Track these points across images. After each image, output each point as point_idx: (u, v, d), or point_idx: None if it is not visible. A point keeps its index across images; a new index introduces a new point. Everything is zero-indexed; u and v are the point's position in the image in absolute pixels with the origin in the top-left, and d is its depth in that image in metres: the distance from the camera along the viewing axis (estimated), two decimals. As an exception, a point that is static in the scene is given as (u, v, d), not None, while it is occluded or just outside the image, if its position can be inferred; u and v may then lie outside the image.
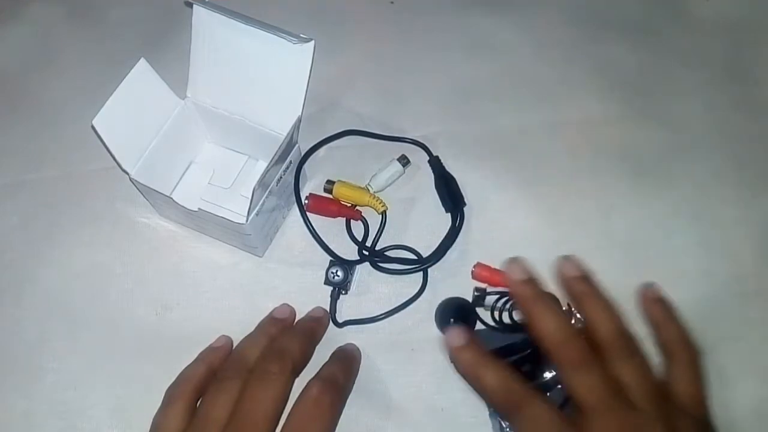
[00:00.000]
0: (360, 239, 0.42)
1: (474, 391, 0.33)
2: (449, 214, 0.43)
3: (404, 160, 0.43)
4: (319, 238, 0.41)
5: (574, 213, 0.41)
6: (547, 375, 0.34)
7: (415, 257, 0.42)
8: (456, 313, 0.39)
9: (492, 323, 0.38)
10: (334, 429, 0.34)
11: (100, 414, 0.39)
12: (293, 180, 0.42)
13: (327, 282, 0.40)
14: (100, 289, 0.42)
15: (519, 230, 0.42)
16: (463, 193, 0.43)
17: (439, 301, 0.40)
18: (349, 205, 0.43)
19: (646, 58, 0.49)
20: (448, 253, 0.41)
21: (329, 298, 0.40)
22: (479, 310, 0.39)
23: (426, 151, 0.44)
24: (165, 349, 0.40)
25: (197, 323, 0.41)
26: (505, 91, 0.48)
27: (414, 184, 0.44)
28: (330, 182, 0.42)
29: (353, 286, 0.42)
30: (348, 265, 0.41)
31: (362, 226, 0.42)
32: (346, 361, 0.38)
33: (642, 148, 0.45)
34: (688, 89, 0.47)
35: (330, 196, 0.43)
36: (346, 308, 0.41)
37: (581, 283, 0.34)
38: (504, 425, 0.37)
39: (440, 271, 0.41)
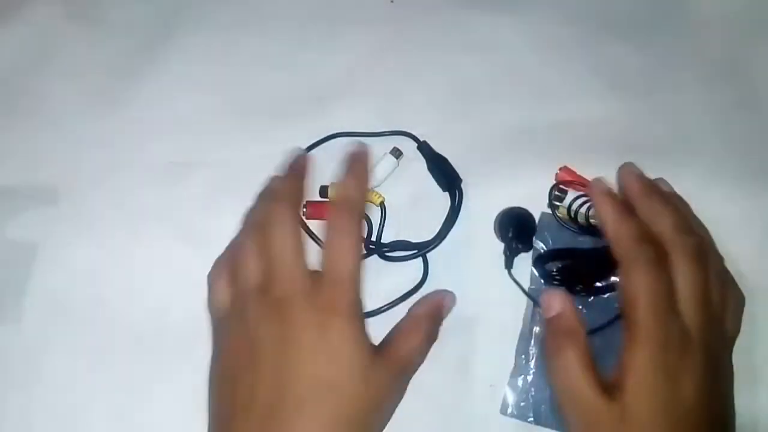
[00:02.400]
0: (365, 236, 0.42)
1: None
2: (447, 194, 0.43)
3: (397, 153, 0.44)
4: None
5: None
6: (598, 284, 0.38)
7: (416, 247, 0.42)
8: (515, 223, 0.41)
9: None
10: (360, 252, 0.36)
11: (100, 415, 0.39)
12: None
13: None
14: (99, 289, 0.42)
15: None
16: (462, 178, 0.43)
17: (437, 287, 0.40)
18: None
19: (646, 58, 0.49)
20: (452, 233, 0.41)
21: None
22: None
23: (413, 139, 0.45)
24: (165, 349, 0.40)
25: (197, 323, 0.41)
26: (505, 90, 0.48)
27: (410, 175, 0.44)
28: (324, 187, 0.43)
29: None
30: None
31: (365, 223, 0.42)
32: (355, 170, 0.37)
33: (642, 146, 0.45)
34: (689, 88, 0.47)
35: (327, 200, 0.42)
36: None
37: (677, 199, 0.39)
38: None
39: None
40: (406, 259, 0.42)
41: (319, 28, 0.50)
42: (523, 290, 0.40)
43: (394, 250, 0.42)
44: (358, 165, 0.38)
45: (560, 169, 0.42)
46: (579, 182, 0.41)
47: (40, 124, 0.48)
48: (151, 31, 0.51)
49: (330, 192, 0.43)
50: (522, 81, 0.48)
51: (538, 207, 0.42)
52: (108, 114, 0.48)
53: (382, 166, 0.43)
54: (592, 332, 0.37)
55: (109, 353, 0.40)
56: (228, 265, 0.37)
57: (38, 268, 0.43)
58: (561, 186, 0.41)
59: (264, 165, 0.45)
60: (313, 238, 0.41)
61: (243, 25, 0.51)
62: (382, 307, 0.40)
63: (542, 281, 0.40)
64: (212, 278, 0.38)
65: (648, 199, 0.37)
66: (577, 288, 0.39)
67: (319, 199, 0.43)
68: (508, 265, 0.40)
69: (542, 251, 0.41)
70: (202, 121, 0.47)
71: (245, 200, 0.43)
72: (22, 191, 0.45)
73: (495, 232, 0.42)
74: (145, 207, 0.44)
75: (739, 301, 0.37)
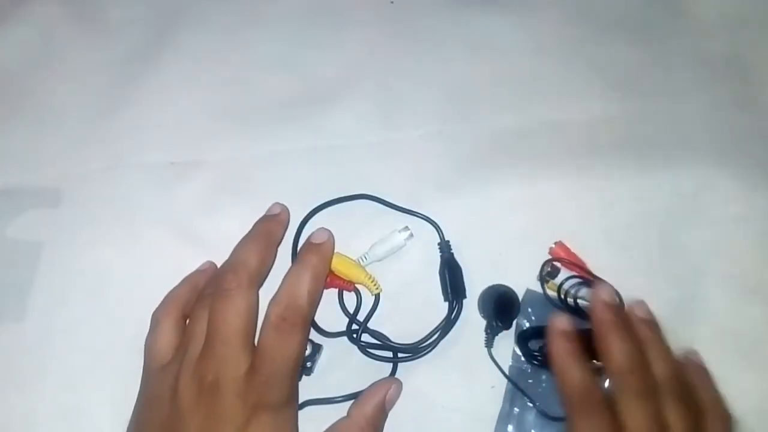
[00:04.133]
0: (351, 312, 0.40)
1: (554, 377, 0.35)
2: (446, 303, 0.40)
3: (406, 232, 0.41)
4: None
5: (574, 210, 0.41)
6: None
7: (395, 345, 0.39)
8: (497, 301, 0.39)
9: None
10: (303, 348, 0.36)
11: (101, 415, 0.39)
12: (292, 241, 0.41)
13: None
14: (100, 289, 0.42)
15: (519, 228, 0.42)
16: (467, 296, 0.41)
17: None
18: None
19: (646, 58, 0.49)
20: (441, 344, 0.39)
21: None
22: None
23: (438, 233, 0.42)
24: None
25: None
26: (504, 90, 0.47)
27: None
28: None
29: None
30: (316, 343, 0.39)
31: (355, 297, 0.41)
32: (307, 271, 0.37)
33: (642, 146, 0.45)
34: (689, 88, 0.47)
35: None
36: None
37: (648, 327, 0.37)
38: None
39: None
40: (380, 360, 0.39)
41: (319, 28, 0.50)
42: (502, 371, 0.38)
43: (373, 345, 0.40)
44: (316, 260, 0.37)
45: (555, 244, 0.41)
46: (572, 262, 0.40)
47: (41, 124, 0.48)
48: (151, 31, 0.51)
49: (332, 262, 0.40)
50: (522, 81, 0.48)
51: (529, 245, 0.41)
52: (108, 114, 0.48)
53: (385, 243, 0.41)
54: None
55: (111, 352, 0.40)
56: (178, 309, 0.38)
57: (40, 267, 0.43)
58: (554, 263, 0.40)
59: (264, 165, 0.45)
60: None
61: (243, 25, 0.51)
62: (336, 397, 0.38)
63: (523, 359, 0.39)
64: (159, 317, 0.38)
65: (607, 331, 0.36)
66: None
67: None
68: (489, 344, 0.39)
69: (525, 328, 0.40)
70: (202, 121, 0.47)
71: (245, 200, 0.44)
72: (24, 192, 0.45)
73: (478, 309, 0.40)
74: (146, 207, 0.44)
75: (724, 422, 0.36)
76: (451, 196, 0.43)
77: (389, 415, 0.38)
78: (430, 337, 0.39)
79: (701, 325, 0.38)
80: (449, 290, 0.40)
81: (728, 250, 0.41)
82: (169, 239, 0.43)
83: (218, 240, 0.42)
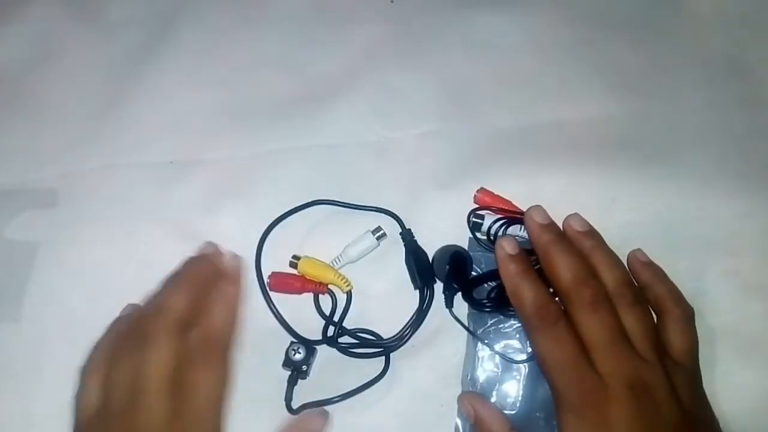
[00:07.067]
0: (327, 314, 0.40)
1: (511, 300, 0.35)
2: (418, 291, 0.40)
3: (379, 233, 0.41)
4: (283, 319, 0.40)
5: (574, 208, 0.41)
6: None
7: (375, 338, 0.40)
8: (452, 261, 0.39)
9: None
10: (229, 376, 0.35)
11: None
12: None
13: (286, 362, 0.38)
14: (99, 289, 0.42)
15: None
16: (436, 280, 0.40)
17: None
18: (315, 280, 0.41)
19: (646, 58, 0.49)
20: (419, 331, 0.39)
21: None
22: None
23: (398, 222, 0.42)
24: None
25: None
26: (504, 90, 0.47)
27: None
28: (296, 257, 0.40)
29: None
30: (309, 346, 0.39)
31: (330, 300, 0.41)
32: (224, 304, 0.37)
33: (643, 145, 0.45)
34: (689, 87, 0.47)
35: (295, 272, 0.41)
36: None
37: (589, 237, 0.37)
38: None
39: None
40: (361, 357, 0.39)
41: (318, 28, 0.50)
42: (465, 327, 0.38)
43: (356, 340, 0.40)
44: (227, 290, 0.38)
45: (478, 191, 0.41)
46: (496, 206, 0.41)
47: (40, 124, 0.48)
48: (151, 30, 0.51)
49: (300, 266, 0.40)
50: (521, 81, 0.48)
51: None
52: (107, 113, 0.48)
53: (360, 245, 0.41)
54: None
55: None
56: (103, 365, 0.36)
57: (38, 267, 0.43)
58: (478, 212, 0.40)
59: (263, 164, 0.45)
60: (272, 310, 0.40)
61: (243, 25, 0.51)
62: (333, 398, 0.38)
63: (475, 311, 0.39)
64: (85, 374, 0.36)
65: (547, 251, 0.36)
66: (510, 310, 0.38)
67: (286, 270, 0.41)
68: (449, 304, 0.39)
69: (470, 277, 0.40)
70: (202, 120, 0.47)
71: (244, 199, 0.43)
72: (22, 191, 0.45)
73: (434, 272, 0.40)
74: (145, 207, 0.44)
75: (679, 318, 0.36)
76: (451, 195, 0.43)
77: (388, 407, 0.38)
78: (407, 327, 0.39)
79: (703, 321, 0.38)
80: (417, 277, 0.40)
81: (729, 248, 0.41)
82: (168, 238, 0.43)
83: (217, 239, 0.42)
